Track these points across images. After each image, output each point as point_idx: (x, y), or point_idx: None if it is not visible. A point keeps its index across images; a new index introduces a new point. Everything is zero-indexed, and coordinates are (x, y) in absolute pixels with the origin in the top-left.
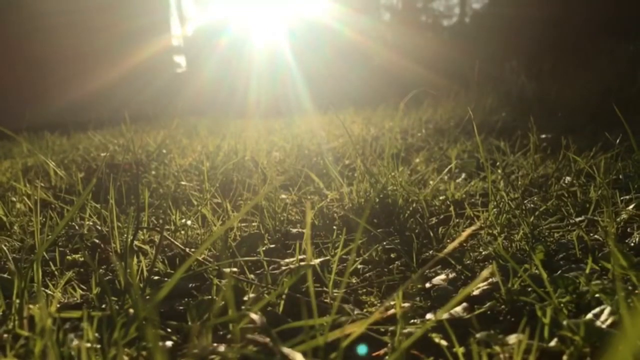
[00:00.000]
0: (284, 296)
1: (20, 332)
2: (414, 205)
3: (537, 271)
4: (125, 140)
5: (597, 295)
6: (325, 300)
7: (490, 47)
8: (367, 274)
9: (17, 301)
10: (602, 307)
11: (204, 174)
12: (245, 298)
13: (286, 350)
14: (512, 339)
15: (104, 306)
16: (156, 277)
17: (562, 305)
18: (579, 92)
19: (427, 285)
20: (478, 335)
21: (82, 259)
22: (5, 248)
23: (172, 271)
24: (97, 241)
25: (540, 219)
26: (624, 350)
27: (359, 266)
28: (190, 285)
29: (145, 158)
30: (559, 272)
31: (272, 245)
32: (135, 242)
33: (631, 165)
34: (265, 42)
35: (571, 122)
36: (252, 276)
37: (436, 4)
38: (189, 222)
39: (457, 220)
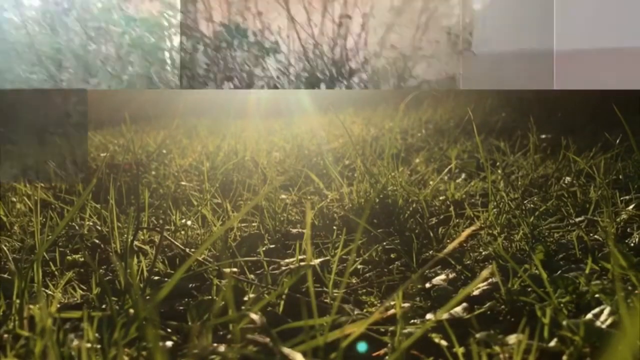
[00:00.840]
0: (284, 296)
1: (21, 332)
2: (414, 205)
3: (537, 271)
4: (125, 141)
5: (596, 295)
6: (325, 301)
7: None
8: (367, 274)
9: (17, 301)
10: (602, 307)
11: (204, 174)
12: (245, 298)
13: (286, 350)
14: (512, 339)
15: (104, 306)
16: (156, 278)
17: (561, 305)
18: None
19: (427, 285)
20: (478, 335)
21: (82, 259)
22: (5, 248)
23: (172, 271)
24: (97, 241)
25: (540, 219)
26: (624, 350)
27: (359, 266)
28: (190, 285)
29: (145, 158)
30: (559, 272)
31: (272, 246)
32: (135, 243)
33: (631, 166)
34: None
35: (571, 122)
36: (252, 276)
37: None
38: (189, 223)
39: (457, 220)
